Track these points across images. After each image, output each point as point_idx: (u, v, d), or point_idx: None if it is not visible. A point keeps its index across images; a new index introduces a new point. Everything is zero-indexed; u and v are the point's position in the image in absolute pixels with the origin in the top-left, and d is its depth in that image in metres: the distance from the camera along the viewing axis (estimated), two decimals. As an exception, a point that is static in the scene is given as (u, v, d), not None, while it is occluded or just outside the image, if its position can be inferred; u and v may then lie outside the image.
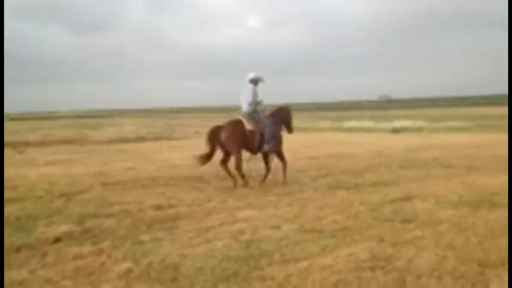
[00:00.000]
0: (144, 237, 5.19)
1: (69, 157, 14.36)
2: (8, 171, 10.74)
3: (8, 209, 6.63)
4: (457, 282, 3.71)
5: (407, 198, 7.00)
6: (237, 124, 8.67)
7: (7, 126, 39.57)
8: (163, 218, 6.08)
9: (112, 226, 5.68)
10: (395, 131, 25.76)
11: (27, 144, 19.55)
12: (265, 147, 8.69)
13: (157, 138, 22.85)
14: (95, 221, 5.93)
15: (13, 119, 70.62)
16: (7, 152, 16.55)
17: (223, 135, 8.54)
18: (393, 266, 4.10)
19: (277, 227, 5.54)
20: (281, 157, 9.08)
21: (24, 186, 8.58)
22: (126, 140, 21.77)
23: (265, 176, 8.95)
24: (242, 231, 5.37)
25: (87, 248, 4.80)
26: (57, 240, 5.11)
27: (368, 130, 27.23)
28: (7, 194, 7.74)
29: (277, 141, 8.93)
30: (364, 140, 19.27)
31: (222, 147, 8.74)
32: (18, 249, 4.80)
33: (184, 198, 7.38)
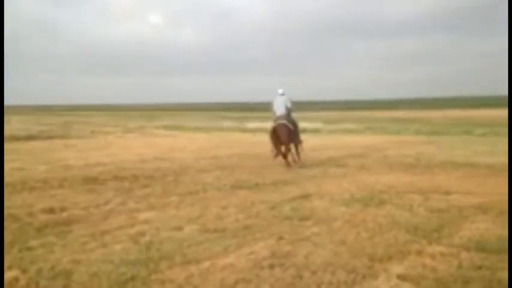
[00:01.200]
0: (33, 243, 4.79)
1: None
2: None
3: None
4: (349, 276, 3.95)
5: (306, 197, 7.32)
6: (286, 126, 11.21)
7: None
8: (55, 222, 5.67)
9: (-5, 232, 5.17)
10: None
11: None
12: (296, 140, 11.71)
13: (50, 137, 21.29)
14: (-27, 227, 5.34)
15: None
16: None
17: (283, 133, 11.09)
18: (291, 262, 4.26)
19: (179, 228, 5.46)
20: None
21: None
22: (15, 139, 19.94)
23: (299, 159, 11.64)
24: (142, 234, 5.20)
25: (-36, 258, 4.31)
26: None
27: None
28: None
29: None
30: (266, 140, 19.79)
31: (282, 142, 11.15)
32: None
33: (79, 200, 6.98)
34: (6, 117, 46.85)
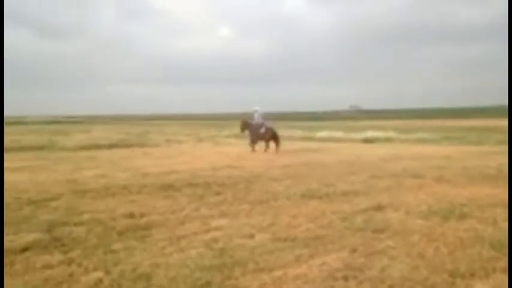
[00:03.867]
0: (116, 246, 5.11)
1: (37, 164, 14.00)
2: (-28, 178, 10.39)
3: (-28, 217, 6.41)
4: (428, 292, 3.79)
5: (379, 208, 7.12)
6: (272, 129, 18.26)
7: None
8: (135, 227, 5.99)
9: (82, 235, 5.57)
10: (366, 141, 26.24)
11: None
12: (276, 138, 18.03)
13: (129, 145, 22.52)
14: (64, 229, 5.79)
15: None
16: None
17: (262, 132, 18.01)
18: (366, 275, 4.16)
19: (251, 236, 5.55)
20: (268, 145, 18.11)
21: (-10, 193, 8.30)
22: (97, 147, 21.36)
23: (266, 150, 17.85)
24: (215, 240, 5.35)
25: (56, 257, 4.69)
26: (26, 249, 4.97)
27: (339, 140, 27.63)
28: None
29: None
30: (335, 150, 19.55)
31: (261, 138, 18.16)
32: (-16, 258, 4.65)
33: (157, 206, 7.30)
34: (88, 127, 50.21)
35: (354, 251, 4.94)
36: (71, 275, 4.20)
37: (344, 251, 4.92)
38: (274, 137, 17.74)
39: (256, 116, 18.51)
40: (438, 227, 5.95)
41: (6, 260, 4.59)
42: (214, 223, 6.20)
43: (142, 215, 6.66)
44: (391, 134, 29.88)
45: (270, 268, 4.38)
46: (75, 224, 6.06)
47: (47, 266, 4.43)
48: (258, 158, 15.54)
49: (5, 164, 13.70)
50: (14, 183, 9.57)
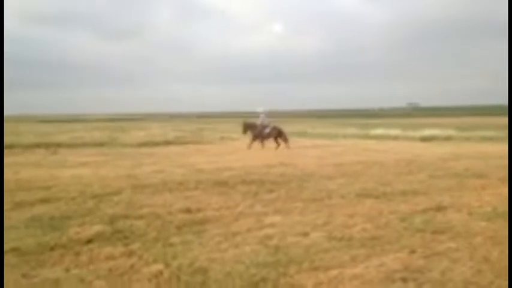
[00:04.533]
0: (174, 240, 5.25)
1: (99, 159, 14.69)
2: (41, 172, 11.09)
3: (42, 209, 6.85)
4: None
5: (439, 209, 6.84)
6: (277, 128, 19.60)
7: (40, 127, 40.77)
8: (192, 222, 6.13)
9: (142, 228, 5.77)
10: (424, 139, 25.27)
11: (59, 145, 20.07)
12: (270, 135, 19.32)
13: (184, 143, 23.09)
14: (125, 222, 6.04)
15: (43, 121, 72.76)
16: (40, 152, 17.07)
17: (268, 132, 19.24)
18: (426, 278, 4.02)
19: (305, 234, 5.51)
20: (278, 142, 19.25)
21: (57, 186, 8.81)
22: (155, 144, 22.08)
23: (277, 148, 18.64)
24: (270, 237, 5.36)
25: (118, 249, 4.90)
26: (90, 240, 5.23)
27: (396, 138, 26.82)
28: (41, 194, 7.98)
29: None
30: (392, 148, 19.01)
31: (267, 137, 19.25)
32: (52, 248, 4.93)
33: (212, 202, 7.43)
34: (146, 124, 52.02)
35: (413, 252, 4.78)
36: (132, 266, 4.37)
37: (403, 252, 4.78)
38: (280, 135, 19.18)
39: (261, 116, 19.55)
40: (503, 229, 5.62)
41: (72, 251, 4.85)
42: (268, 220, 6.22)
43: (198, 211, 6.81)
44: (450, 132, 28.60)
45: (326, 267, 4.34)
46: (136, 218, 6.29)
47: (110, 257, 4.64)
48: (311, 156, 15.42)
49: (71, 159, 14.51)
50: (78, 177, 10.10)
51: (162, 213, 6.61)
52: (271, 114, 21.33)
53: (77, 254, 4.76)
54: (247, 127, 19.61)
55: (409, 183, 9.26)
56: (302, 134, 30.25)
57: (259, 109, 20.12)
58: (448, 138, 25.71)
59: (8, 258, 4.60)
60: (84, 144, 21.04)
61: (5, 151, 17.74)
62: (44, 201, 7.43)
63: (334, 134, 29.08)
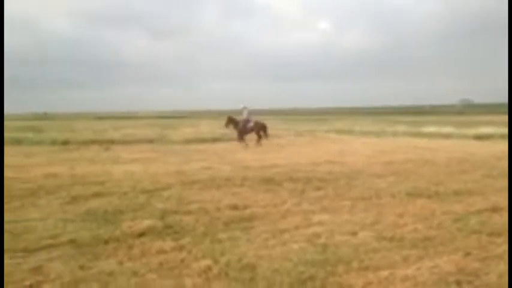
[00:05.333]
0: (222, 236, 5.32)
1: (149, 156, 15.11)
2: (95, 167, 11.56)
3: (96, 203, 7.13)
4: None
5: (495, 210, 6.54)
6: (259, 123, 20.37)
7: (94, 124, 42.46)
8: (239, 218, 6.18)
9: (191, 223, 5.89)
10: (478, 137, 24.14)
11: (112, 142, 20.83)
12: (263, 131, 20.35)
13: (231, 140, 23.30)
14: (175, 217, 6.18)
15: (99, 118, 75.77)
16: (94, 149, 17.77)
17: (251, 126, 20.11)
18: (482, 281, 3.86)
19: (354, 233, 5.42)
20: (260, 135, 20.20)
21: (110, 182, 9.15)
22: (202, 141, 22.45)
23: (258, 141, 19.77)
24: (317, 235, 5.32)
25: (168, 243, 5.02)
26: (142, 234, 5.39)
27: (448, 136, 25.80)
28: (95, 188, 8.32)
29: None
30: (444, 147, 18.32)
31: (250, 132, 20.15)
32: (106, 241, 5.13)
33: (259, 199, 7.46)
34: (195, 122, 52.85)
35: (467, 254, 4.59)
36: (182, 261, 4.47)
37: (457, 254, 4.60)
38: (263, 129, 20.36)
39: (244, 112, 20.40)
40: None
41: (125, 244, 5.02)
42: (315, 218, 6.17)
43: (245, 207, 6.86)
44: (506, 129, 27.13)
45: (376, 267, 4.25)
46: (185, 213, 6.43)
47: (160, 251, 4.77)
48: (359, 153, 15.14)
49: (123, 155, 15.02)
50: (130, 173, 10.44)
51: (210, 209, 6.72)
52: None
53: (130, 247, 4.92)
54: (230, 121, 20.46)
55: (463, 183, 8.89)
56: (349, 132, 29.76)
57: (243, 105, 20.87)
58: (503, 136, 24.41)
59: (65, 250, 4.83)
60: (136, 141, 21.70)
61: (61, 147, 18.65)
62: (98, 195, 7.74)
63: (383, 132, 28.36)
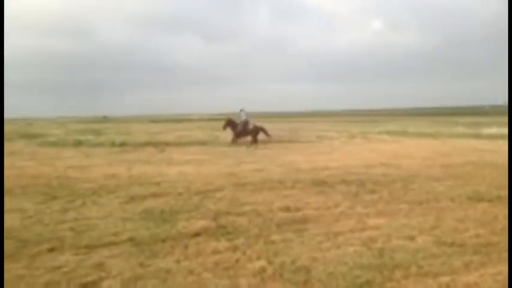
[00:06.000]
0: (275, 238, 5.33)
1: (202, 157, 15.39)
2: (150, 169, 11.94)
3: (153, 203, 7.36)
4: None
5: None
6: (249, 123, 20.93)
7: (149, 127, 43.86)
8: (291, 220, 6.17)
9: (244, 224, 5.94)
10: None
11: (166, 144, 21.42)
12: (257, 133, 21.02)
13: (282, 141, 23.30)
14: (228, 218, 6.26)
15: (153, 121, 78.28)
16: (150, 150, 18.35)
17: (251, 128, 20.62)
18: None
19: (412, 238, 5.26)
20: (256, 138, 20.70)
21: (166, 183, 9.41)
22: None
23: (253, 143, 19.97)
24: (373, 239, 5.21)
25: (223, 244, 5.09)
26: (197, 234, 5.51)
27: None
28: (152, 189, 8.59)
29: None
30: (506, 149, 17.35)
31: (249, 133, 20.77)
32: (163, 240, 5.29)
33: (311, 201, 7.41)
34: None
35: (536, 262, 4.32)
36: (237, 261, 4.53)
37: (524, 261, 4.34)
38: (263, 130, 21.01)
39: (242, 114, 21.09)
40: None
41: (181, 243, 5.14)
42: (370, 222, 6.04)
43: (297, 209, 6.83)
44: None
45: (435, 273, 4.10)
46: (238, 214, 6.50)
47: (215, 252, 4.85)
48: (415, 156, 14.65)
49: (176, 157, 15.41)
50: (184, 174, 10.69)
51: (262, 211, 6.75)
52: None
53: (186, 246, 5.04)
54: (228, 124, 20.96)
55: (529, 187, 8.38)
56: (403, 133, 28.90)
57: (241, 108, 21.53)
58: None
59: (125, 247, 5.03)
60: (188, 143, 22.18)
61: (119, 149, 19.41)
62: (155, 195, 7.99)
63: (439, 133, 27.30)
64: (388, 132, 29.87)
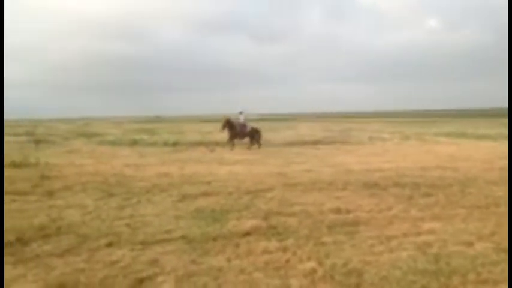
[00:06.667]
0: (326, 239, 5.27)
1: (251, 157, 15.51)
2: (202, 168, 12.17)
3: (204, 202, 7.50)
4: None
5: None
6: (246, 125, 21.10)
7: (200, 127, 44.74)
8: (342, 222, 6.08)
9: (294, 225, 5.92)
10: None
11: (216, 143, 21.77)
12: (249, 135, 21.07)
13: (332, 142, 23.04)
14: (278, 218, 6.27)
15: (204, 120, 79.88)
16: (201, 150, 18.71)
17: (249, 130, 20.85)
18: None
19: (470, 244, 5.04)
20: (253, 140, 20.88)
21: (216, 182, 9.56)
22: (303, 143, 22.49)
23: (251, 145, 20.59)
24: (429, 244, 5.03)
25: (273, 244, 5.10)
26: (247, 233, 5.56)
27: None
28: (203, 188, 8.75)
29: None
30: None
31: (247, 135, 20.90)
32: (214, 239, 5.37)
33: (362, 204, 7.26)
34: (294, 124, 53.33)
35: None
36: (287, 261, 4.52)
37: None
38: (258, 133, 21.14)
39: (241, 117, 21.41)
40: None
41: (232, 242, 5.20)
42: (425, 226, 5.84)
43: (348, 211, 6.72)
44: None
45: (495, 281, 3.91)
46: (288, 215, 6.49)
47: (265, 251, 4.87)
48: (474, 158, 14.00)
49: (226, 156, 15.61)
50: (234, 174, 10.82)
51: (312, 211, 6.70)
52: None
53: (236, 245, 5.10)
54: (227, 124, 20.83)
55: None
56: (461, 135, 27.70)
57: (240, 110, 21.80)
58: None
59: (178, 244, 5.15)
60: (238, 143, 22.43)
61: (171, 148, 19.93)
62: (206, 195, 8.13)
63: (501, 135, 25.96)
64: (445, 134, 28.76)
